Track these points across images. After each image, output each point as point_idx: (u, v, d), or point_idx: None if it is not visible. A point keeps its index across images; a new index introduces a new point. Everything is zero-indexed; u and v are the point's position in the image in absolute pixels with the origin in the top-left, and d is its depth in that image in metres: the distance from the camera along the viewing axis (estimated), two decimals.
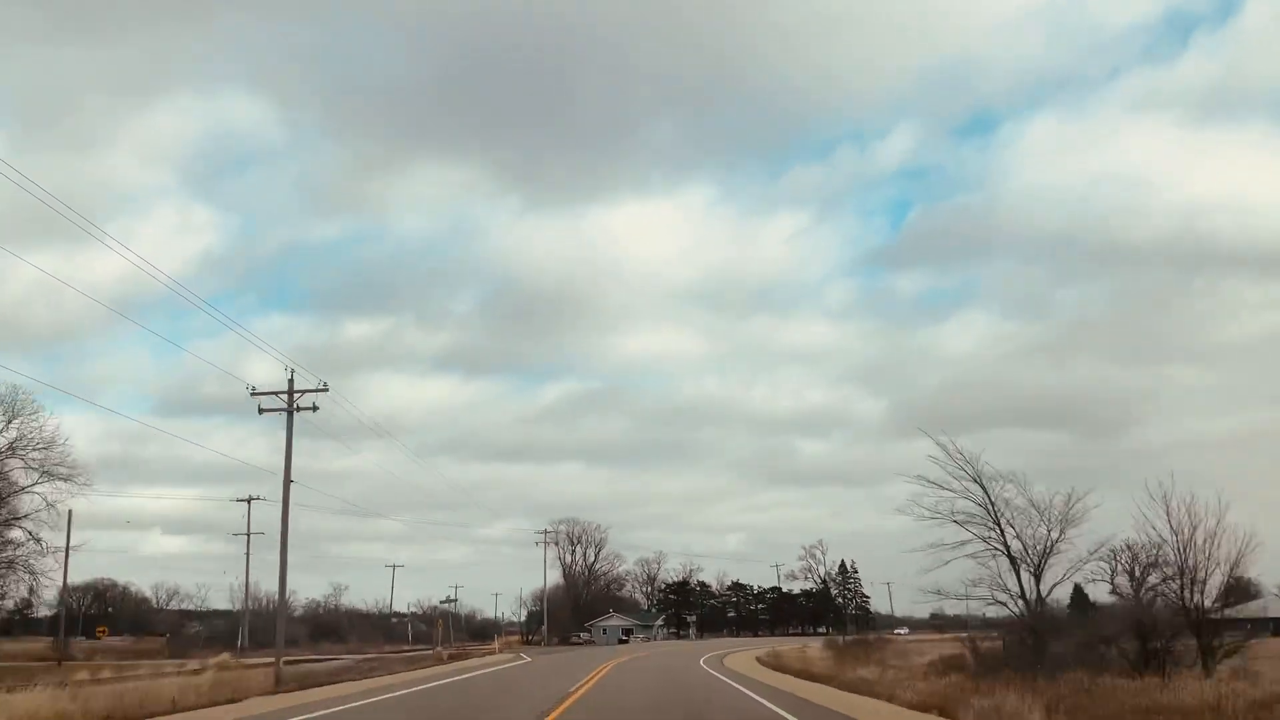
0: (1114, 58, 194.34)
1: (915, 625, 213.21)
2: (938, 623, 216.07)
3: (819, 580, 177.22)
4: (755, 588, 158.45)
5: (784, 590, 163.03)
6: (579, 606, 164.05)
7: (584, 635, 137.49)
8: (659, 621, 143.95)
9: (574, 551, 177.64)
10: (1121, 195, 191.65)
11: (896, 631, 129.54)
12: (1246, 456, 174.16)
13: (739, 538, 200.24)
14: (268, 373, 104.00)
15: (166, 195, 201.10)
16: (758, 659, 61.47)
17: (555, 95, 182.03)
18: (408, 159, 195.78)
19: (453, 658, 62.43)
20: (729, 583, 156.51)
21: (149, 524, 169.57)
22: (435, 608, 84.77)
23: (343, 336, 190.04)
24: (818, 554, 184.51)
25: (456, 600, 69.59)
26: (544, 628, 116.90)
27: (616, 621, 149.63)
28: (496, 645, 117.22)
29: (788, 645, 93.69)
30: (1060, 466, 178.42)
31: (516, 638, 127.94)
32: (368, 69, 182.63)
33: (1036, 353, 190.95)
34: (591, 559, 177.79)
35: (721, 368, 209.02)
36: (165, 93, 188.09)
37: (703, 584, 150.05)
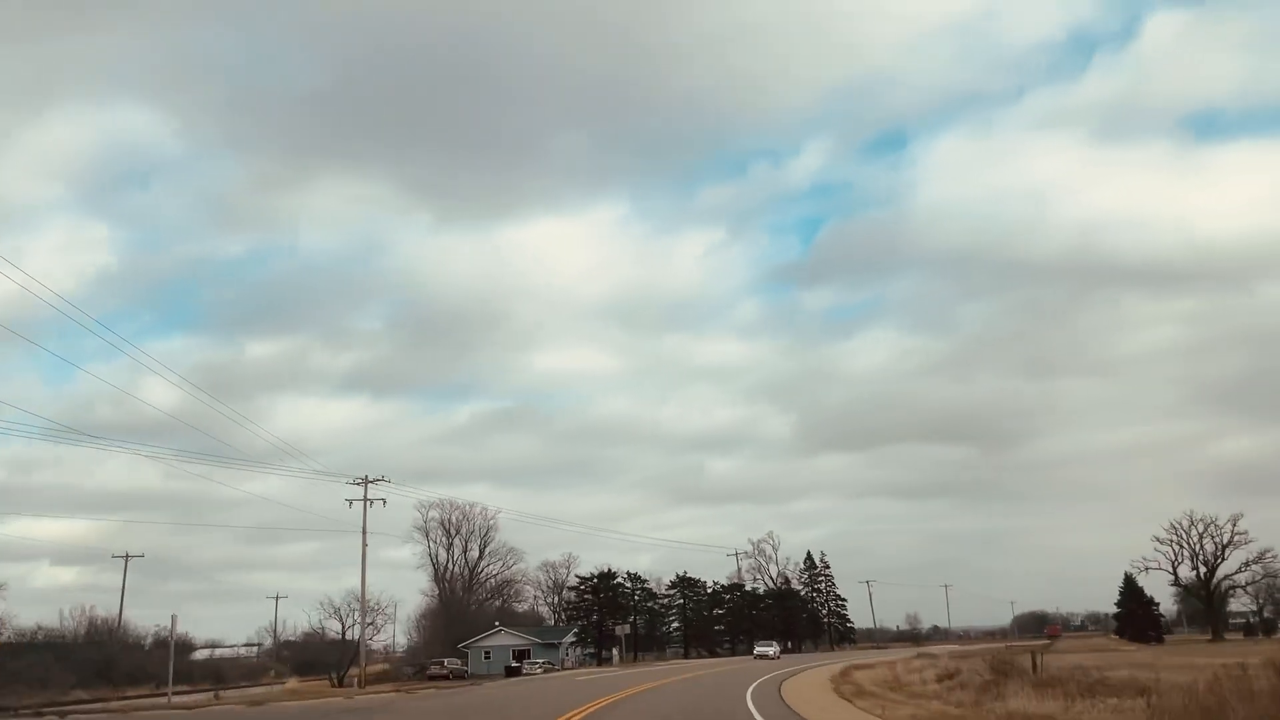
0: (1020, 76, 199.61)
1: (895, 637, 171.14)
2: (916, 634, 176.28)
3: (772, 581, 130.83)
4: (710, 585, 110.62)
5: (749, 590, 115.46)
6: (454, 620, 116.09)
7: (452, 664, 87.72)
8: (568, 638, 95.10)
9: (450, 546, 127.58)
10: (1025, 212, 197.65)
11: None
12: (1141, 467, 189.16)
13: (650, 557, 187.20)
14: (164, 393, 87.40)
15: (61, 210, 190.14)
16: None
17: (466, 108, 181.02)
18: (314, 173, 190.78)
19: None
20: (669, 580, 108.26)
21: (39, 555, 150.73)
22: None
23: (245, 356, 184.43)
24: (768, 549, 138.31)
25: None
26: (360, 654, 65.63)
27: (505, 640, 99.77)
28: (289, 684, 67.58)
29: (822, 671, 48.29)
30: (963, 479, 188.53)
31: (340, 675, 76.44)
32: (271, 80, 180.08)
33: (941, 368, 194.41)
34: (476, 556, 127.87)
35: (633, 386, 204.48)
36: (57, 103, 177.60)
37: (636, 577, 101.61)
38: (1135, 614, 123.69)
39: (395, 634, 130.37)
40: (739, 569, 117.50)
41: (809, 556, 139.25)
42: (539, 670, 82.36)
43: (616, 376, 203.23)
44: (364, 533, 64.03)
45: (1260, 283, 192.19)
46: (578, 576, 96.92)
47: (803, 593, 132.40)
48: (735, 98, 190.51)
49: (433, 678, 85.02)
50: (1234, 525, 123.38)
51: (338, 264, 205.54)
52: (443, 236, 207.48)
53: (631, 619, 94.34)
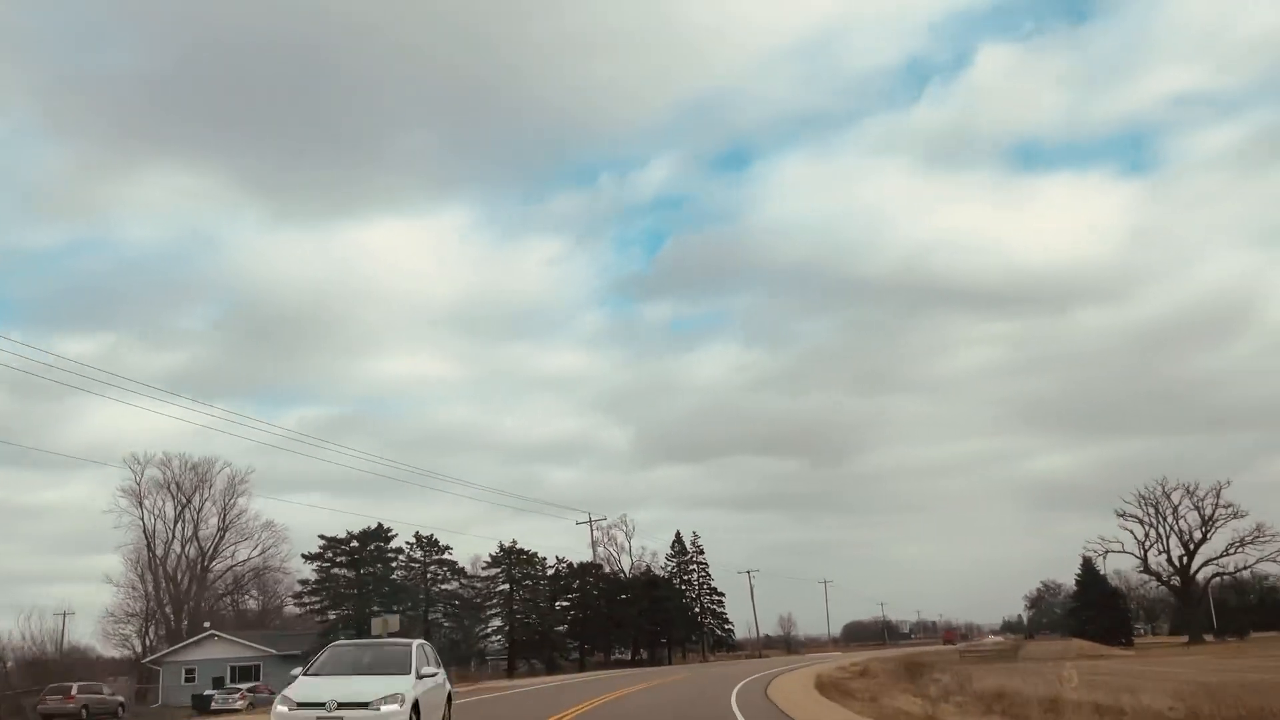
0: (858, 101, 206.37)
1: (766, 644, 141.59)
2: (789, 640, 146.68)
3: (627, 572, 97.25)
4: (551, 564, 73.98)
5: (608, 571, 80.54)
6: (171, 622, 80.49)
7: (90, 691, 49.81)
8: (302, 649, 57.92)
9: (180, 519, 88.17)
10: (860, 232, 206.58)
11: None
12: (964, 482, 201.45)
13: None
14: None
15: None
16: None
17: (307, 100, 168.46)
18: (137, 162, 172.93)
19: None
20: (490, 555, 70.80)
21: None
22: None
23: (55, 355, 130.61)
24: (620, 536, 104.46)
25: None
26: None
27: (220, 651, 62.27)
28: None
29: None
30: (793, 491, 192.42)
31: None
32: (92, 60, 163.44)
33: (775, 382, 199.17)
34: (215, 533, 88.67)
35: (474, 394, 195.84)
36: None
37: (430, 541, 62.69)
38: (1102, 608, 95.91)
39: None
40: (593, 546, 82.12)
41: (678, 538, 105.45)
42: (238, 703, 45.27)
43: (457, 384, 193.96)
44: None
45: (1074, 308, 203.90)
46: (322, 538, 58.30)
47: (674, 583, 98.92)
48: (586, 105, 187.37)
49: (48, 716, 48.03)
50: (1218, 496, 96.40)
51: (161, 259, 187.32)
52: (278, 234, 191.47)
53: (409, 608, 56.55)
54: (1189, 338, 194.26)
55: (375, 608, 50.99)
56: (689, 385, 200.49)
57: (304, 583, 61.25)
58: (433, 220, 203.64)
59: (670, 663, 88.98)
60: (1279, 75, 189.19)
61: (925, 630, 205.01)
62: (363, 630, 47.60)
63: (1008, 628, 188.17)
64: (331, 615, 56.58)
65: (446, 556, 61.46)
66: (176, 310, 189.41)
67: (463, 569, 63.87)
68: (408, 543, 60.25)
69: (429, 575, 61.32)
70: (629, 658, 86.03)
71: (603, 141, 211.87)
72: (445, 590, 63.36)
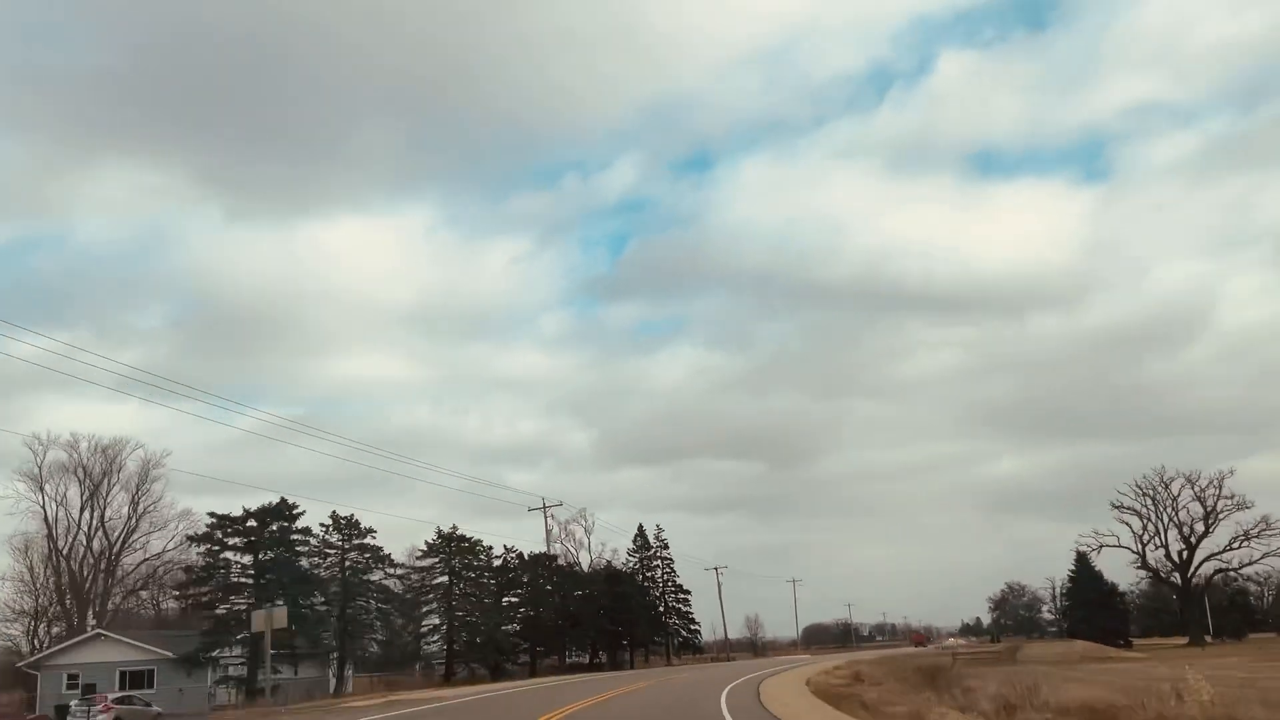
0: (820, 106, 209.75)
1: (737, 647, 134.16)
2: (755, 643, 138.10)
3: (586, 567, 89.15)
4: (498, 554, 65.70)
5: (563, 565, 72.04)
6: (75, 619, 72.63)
7: None
8: (230, 649, 49.02)
9: (90, 505, 79.16)
10: (820, 237, 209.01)
11: None
12: (922, 485, 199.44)
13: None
14: None
15: None
16: None
17: (267, 96, 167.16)
18: (94, 158, 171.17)
19: None
20: (426, 543, 62.16)
21: None
22: None
23: (5, 353, 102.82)
24: (580, 528, 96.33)
25: None
26: None
27: (109, 654, 53.52)
28: None
29: None
30: (755, 494, 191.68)
31: None
32: (50, 54, 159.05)
33: (738, 385, 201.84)
34: (125, 524, 79.54)
35: (435, 395, 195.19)
36: None
37: (349, 523, 53.38)
38: (1099, 607, 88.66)
39: None
40: (548, 537, 73.43)
41: (640, 532, 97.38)
42: (100, 715, 36.60)
43: (417, 385, 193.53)
44: None
45: (1030, 313, 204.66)
46: (212, 515, 49.07)
47: (637, 579, 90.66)
48: (550, 107, 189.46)
49: None
50: (1219, 486, 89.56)
51: (117, 257, 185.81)
52: (236, 232, 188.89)
53: (321, 602, 48.09)
54: (1144, 344, 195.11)
55: (279, 601, 42.27)
56: (653, 388, 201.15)
57: (189, 570, 52.13)
58: (395, 219, 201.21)
59: (633, 666, 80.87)
60: (1233, 85, 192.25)
61: (884, 633, 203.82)
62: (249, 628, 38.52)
63: (967, 630, 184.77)
64: (221, 610, 47.55)
65: (370, 541, 52.74)
66: (134, 308, 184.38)
67: (389, 555, 55.05)
68: (322, 524, 51.39)
69: (348, 563, 52.48)
70: (587, 661, 77.74)
71: (567, 143, 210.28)
72: (369, 582, 54.55)
